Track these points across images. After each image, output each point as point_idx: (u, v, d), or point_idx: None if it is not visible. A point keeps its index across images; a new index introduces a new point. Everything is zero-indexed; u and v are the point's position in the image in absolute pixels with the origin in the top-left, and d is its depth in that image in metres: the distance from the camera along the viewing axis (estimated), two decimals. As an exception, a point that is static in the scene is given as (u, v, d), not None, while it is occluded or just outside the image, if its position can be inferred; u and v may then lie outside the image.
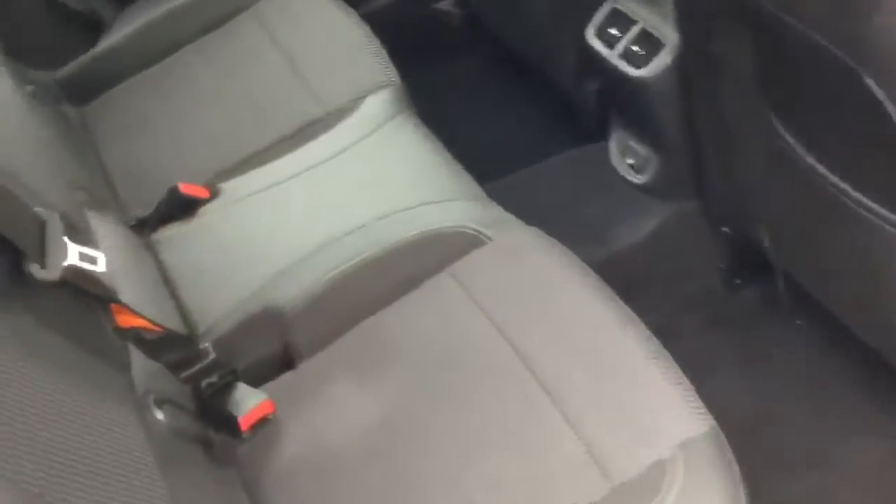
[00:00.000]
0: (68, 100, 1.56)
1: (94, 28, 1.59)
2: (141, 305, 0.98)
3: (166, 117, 1.48)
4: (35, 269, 0.83)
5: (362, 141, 1.35)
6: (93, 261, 0.90)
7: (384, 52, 1.46)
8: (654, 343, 0.95)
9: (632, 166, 1.47)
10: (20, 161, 1.04)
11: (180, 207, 1.30)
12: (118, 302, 0.93)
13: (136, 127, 1.48)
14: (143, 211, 1.34)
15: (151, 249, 1.29)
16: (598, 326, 0.98)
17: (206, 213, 1.30)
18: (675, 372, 0.92)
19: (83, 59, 1.56)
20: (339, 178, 1.31)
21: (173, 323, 1.09)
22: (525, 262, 1.08)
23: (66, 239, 0.88)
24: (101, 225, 1.19)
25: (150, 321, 0.97)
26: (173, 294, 1.20)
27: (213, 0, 1.59)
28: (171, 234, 1.29)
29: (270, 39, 1.52)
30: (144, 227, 1.32)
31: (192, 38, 1.57)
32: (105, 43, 1.57)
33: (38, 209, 0.88)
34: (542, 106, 1.75)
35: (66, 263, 0.85)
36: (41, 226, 0.86)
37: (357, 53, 1.46)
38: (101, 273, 0.90)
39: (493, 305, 1.02)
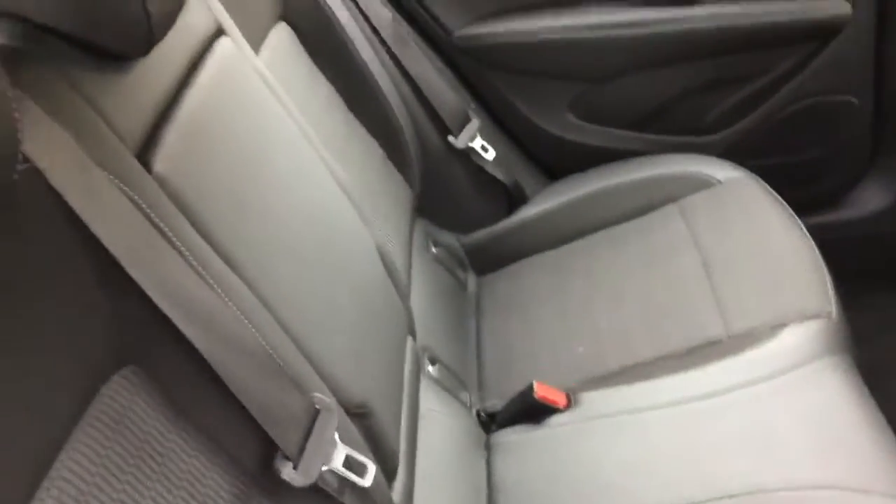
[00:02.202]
0: (471, 266, 1.51)
1: (512, 199, 1.52)
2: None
3: (555, 303, 1.34)
4: (284, 466, 0.70)
5: (765, 382, 1.05)
6: (361, 470, 0.75)
7: (826, 276, 1.17)
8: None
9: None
10: (373, 329, 0.98)
11: (530, 411, 1.13)
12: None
13: (522, 307, 1.37)
14: (499, 402, 1.20)
15: (489, 451, 1.13)
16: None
17: (555, 426, 1.10)
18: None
19: (495, 228, 1.51)
20: (722, 423, 1.03)
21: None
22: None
23: (336, 436, 0.74)
24: (439, 413, 1.07)
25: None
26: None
27: (643, 186, 1.43)
28: (511, 440, 1.12)
29: (691, 237, 1.31)
30: (491, 422, 1.18)
31: (609, 224, 1.42)
32: (519, 216, 1.50)
33: (317, 395, 0.76)
34: None
35: (325, 468, 0.72)
36: (311, 416, 0.74)
37: (789, 271, 1.19)
38: (366, 487, 0.74)
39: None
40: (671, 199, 1.39)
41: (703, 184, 1.38)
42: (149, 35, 0.72)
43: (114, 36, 0.70)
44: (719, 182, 1.37)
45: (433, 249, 1.44)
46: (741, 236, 1.27)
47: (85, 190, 0.61)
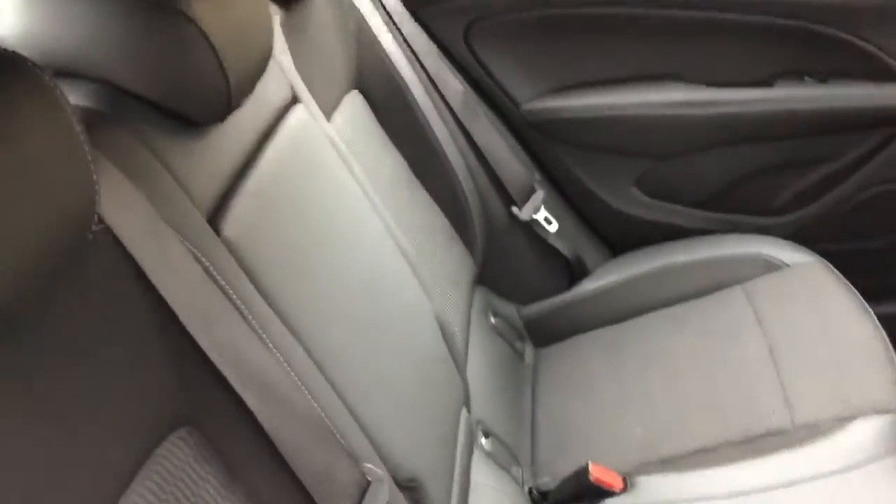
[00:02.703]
0: (529, 337, 1.50)
1: (574, 272, 1.51)
2: None
3: (613, 381, 1.31)
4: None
5: (830, 477, 1.01)
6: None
7: (897, 369, 1.13)
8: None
9: None
10: (427, 400, 0.97)
11: (585, 492, 1.10)
12: None
13: (579, 383, 1.35)
14: (551, 481, 1.18)
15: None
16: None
17: (610, 510, 1.07)
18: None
19: (555, 300, 1.50)
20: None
21: None
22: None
23: (385, 510, 0.73)
24: (490, 488, 1.05)
25: None
26: None
27: (708, 266, 1.42)
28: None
29: (756, 320, 1.28)
30: (543, 501, 1.15)
31: (671, 302, 1.40)
32: (580, 289, 1.49)
33: (368, 466, 0.75)
34: None
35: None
36: (362, 487, 0.73)
37: (859, 362, 1.15)
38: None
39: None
40: (736, 280, 1.37)
41: (770, 267, 1.35)
42: (227, 103, 0.74)
43: (194, 103, 0.72)
44: (787, 266, 1.34)
45: (492, 319, 1.44)
46: (809, 322, 1.24)
47: (154, 250, 0.63)
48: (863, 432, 1.06)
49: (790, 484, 1.03)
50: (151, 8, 0.69)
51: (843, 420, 1.08)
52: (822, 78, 1.39)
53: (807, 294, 1.29)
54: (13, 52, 0.52)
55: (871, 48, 1.35)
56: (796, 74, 1.41)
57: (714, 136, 1.47)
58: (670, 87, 1.45)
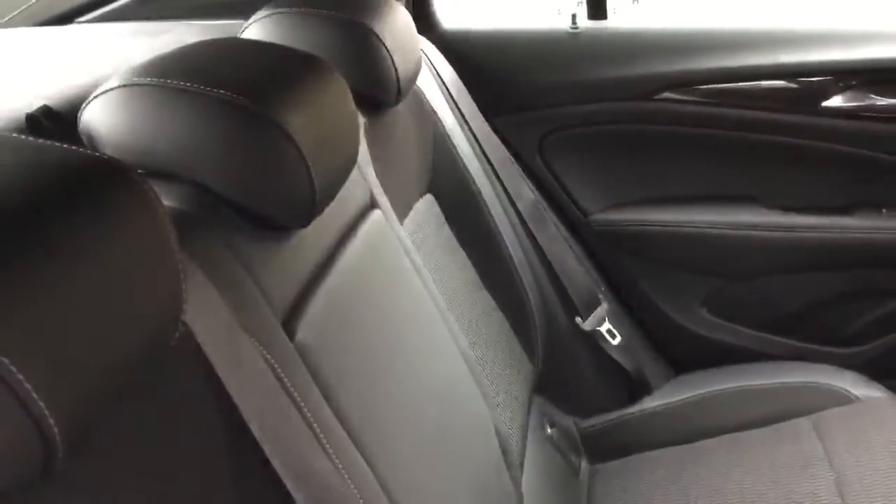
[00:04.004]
0: (585, 452, 1.46)
1: (635, 388, 1.48)
2: None
3: (672, 505, 1.27)
4: None
5: None
6: None
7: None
8: None
9: None
10: (497, 497, 0.95)
11: None
12: None
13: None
14: None
15: None
16: None
17: None
18: None
19: (614, 416, 1.47)
20: None
21: None
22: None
23: None
24: None
25: None
26: None
27: (775, 393, 1.38)
28: None
29: (825, 455, 1.23)
30: None
31: (734, 428, 1.36)
32: (641, 406, 1.46)
33: None
34: None
35: None
36: None
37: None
38: None
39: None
40: (803, 411, 1.33)
41: (841, 399, 1.31)
42: (312, 210, 0.75)
43: (280, 209, 0.74)
44: (857, 399, 1.30)
45: (549, 430, 1.41)
46: (880, 461, 1.19)
47: (230, 356, 0.64)
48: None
49: None
50: (246, 115, 0.71)
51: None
52: (901, 210, 1.38)
53: (878, 430, 1.25)
54: (110, 157, 0.53)
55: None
56: (875, 205, 1.39)
57: (787, 260, 1.45)
58: (746, 208, 1.45)
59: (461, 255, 1.32)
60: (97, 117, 0.72)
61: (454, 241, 1.32)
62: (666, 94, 1.43)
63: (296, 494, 0.65)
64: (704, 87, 1.42)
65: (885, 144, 1.34)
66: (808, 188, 1.42)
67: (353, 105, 0.86)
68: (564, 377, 1.47)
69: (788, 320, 1.50)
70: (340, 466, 0.71)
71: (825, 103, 1.36)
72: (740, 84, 1.40)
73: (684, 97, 1.43)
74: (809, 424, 1.30)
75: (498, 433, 1.09)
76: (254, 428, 0.64)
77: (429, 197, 1.29)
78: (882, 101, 1.34)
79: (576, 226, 1.52)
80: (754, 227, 1.44)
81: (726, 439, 1.36)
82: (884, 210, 1.39)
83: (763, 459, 1.29)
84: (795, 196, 1.42)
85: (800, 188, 1.42)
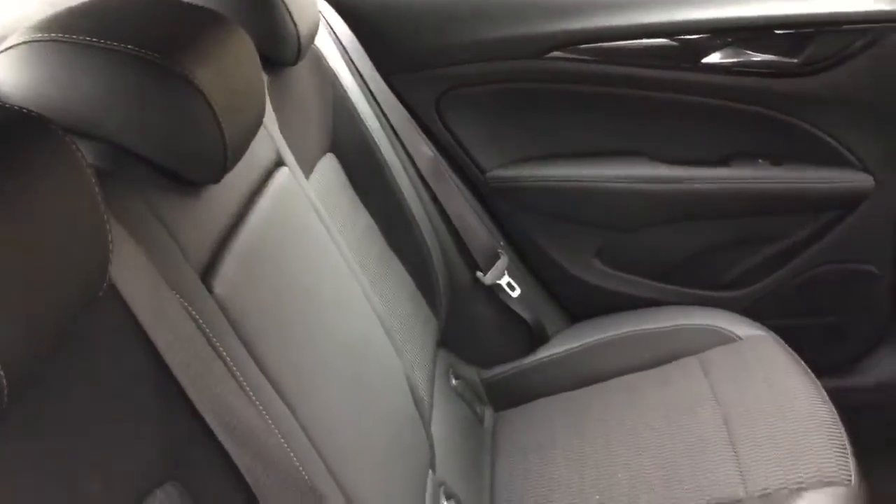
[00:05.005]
0: (489, 401, 1.52)
1: (534, 338, 1.54)
2: None
3: (571, 448, 1.33)
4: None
5: (784, 547, 1.05)
6: None
7: (845, 441, 1.17)
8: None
9: None
10: (400, 461, 0.98)
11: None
12: None
13: (538, 449, 1.36)
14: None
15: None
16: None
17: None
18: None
19: (515, 365, 1.52)
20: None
21: None
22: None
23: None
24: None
25: None
26: None
27: (664, 336, 1.46)
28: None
29: (711, 392, 1.32)
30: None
31: (628, 370, 1.44)
32: (540, 355, 1.52)
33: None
34: None
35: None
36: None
37: (809, 435, 1.19)
38: None
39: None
40: (691, 351, 1.41)
41: (724, 339, 1.40)
42: (224, 165, 0.76)
43: (193, 164, 0.74)
44: (740, 339, 1.39)
45: (453, 381, 1.45)
46: (761, 395, 1.28)
47: (154, 308, 0.64)
48: (813, 504, 1.10)
49: (744, 553, 1.06)
50: (156, 71, 0.71)
51: (793, 492, 1.11)
52: (776, 161, 1.47)
53: (759, 367, 1.34)
54: (33, 112, 0.53)
55: (821, 135, 1.43)
56: (751, 156, 1.48)
57: (672, 211, 1.53)
58: (633, 162, 1.51)
59: (364, 213, 1.34)
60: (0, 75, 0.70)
61: (357, 201, 1.34)
62: (555, 54, 1.47)
63: (228, 446, 0.66)
64: (590, 45, 1.46)
65: (759, 98, 1.43)
66: (691, 142, 1.50)
67: (258, 62, 0.87)
68: (467, 330, 1.51)
69: (675, 268, 1.59)
70: (267, 416, 0.73)
71: (704, 60, 1.43)
72: (624, 42, 1.46)
73: (572, 56, 1.48)
74: (697, 363, 1.39)
75: (409, 385, 1.12)
76: (180, 378, 0.65)
77: (330, 156, 1.30)
78: (756, 57, 1.42)
79: (474, 183, 1.56)
80: (642, 180, 1.51)
81: (620, 381, 1.43)
82: (760, 161, 1.48)
83: (654, 398, 1.36)
84: (680, 150, 1.50)
85: (683, 142, 1.50)
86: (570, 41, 1.46)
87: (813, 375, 1.30)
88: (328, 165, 1.28)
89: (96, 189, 0.54)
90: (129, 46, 0.70)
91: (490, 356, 1.53)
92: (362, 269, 1.15)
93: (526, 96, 1.53)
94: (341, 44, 1.41)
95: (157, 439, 0.65)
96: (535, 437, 1.40)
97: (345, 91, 1.35)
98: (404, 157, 1.43)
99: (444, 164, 1.52)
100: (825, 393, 1.26)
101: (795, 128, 1.43)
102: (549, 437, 1.38)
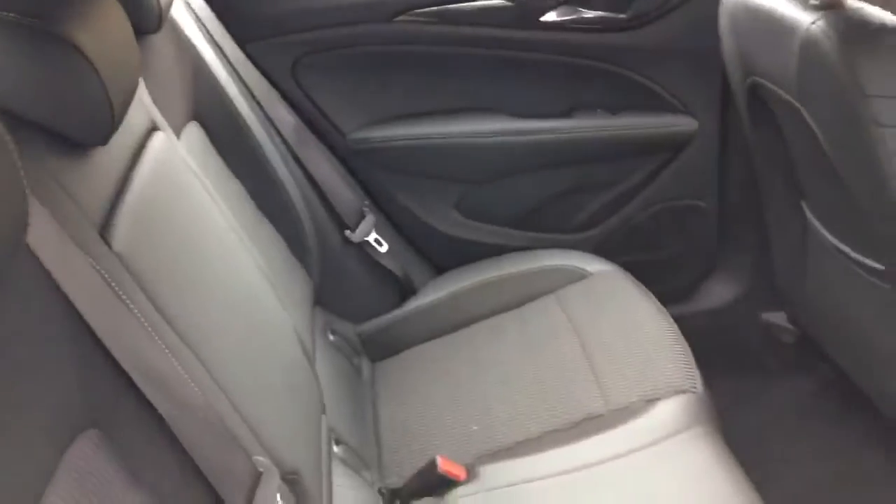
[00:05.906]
0: (365, 353, 1.58)
1: (404, 291, 1.61)
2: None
3: (446, 388, 1.42)
4: (233, 524, 0.75)
5: (643, 450, 1.17)
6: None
7: (690, 356, 1.31)
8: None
9: None
10: (297, 403, 1.03)
11: (434, 484, 1.20)
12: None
13: (415, 392, 1.44)
14: (399, 480, 1.27)
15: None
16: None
17: (458, 498, 1.18)
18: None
19: (386, 318, 1.59)
20: (608, 489, 1.13)
21: None
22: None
23: (278, 497, 0.80)
24: (347, 488, 1.12)
25: None
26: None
27: (523, 279, 1.56)
28: (417, 512, 1.19)
29: (569, 324, 1.43)
30: (395, 498, 1.24)
31: (493, 313, 1.54)
32: (409, 307, 1.59)
33: (258, 458, 0.81)
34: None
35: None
36: (255, 477, 0.79)
37: (658, 353, 1.33)
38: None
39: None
40: (548, 290, 1.52)
41: (577, 276, 1.52)
42: (111, 126, 0.79)
43: (81, 126, 0.77)
44: (591, 275, 1.51)
45: (331, 337, 1.51)
46: (614, 322, 1.41)
47: (64, 262, 0.67)
48: (666, 411, 1.23)
49: (611, 459, 1.18)
50: (40, 37, 0.73)
51: (649, 402, 1.24)
52: (613, 110, 1.60)
53: (610, 298, 1.47)
54: None
55: (650, 84, 1.57)
56: (591, 108, 1.60)
57: (522, 162, 1.64)
58: (483, 118, 1.61)
59: (233, 179, 1.37)
60: None
61: (224, 167, 1.36)
62: (403, 17, 1.54)
63: (147, 392, 0.70)
64: (435, 8, 1.54)
65: (594, 52, 1.55)
66: (536, 96, 1.60)
67: (130, 25, 0.89)
68: (340, 287, 1.57)
69: (528, 215, 1.70)
70: (177, 364, 0.77)
71: (543, 18, 1.54)
72: (467, 4, 1.54)
73: (419, 18, 1.55)
74: (554, 300, 1.50)
75: (297, 337, 1.18)
76: (95, 328, 0.68)
77: (194, 124, 1.32)
78: (588, 14, 1.54)
79: (335, 145, 1.61)
80: (493, 134, 1.61)
81: (485, 324, 1.53)
82: (598, 111, 1.61)
83: (518, 335, 1.47)
84: (527, 104, 1.60)
85: (530, 96, 1.60)
86: (416, 4, 1.53)
87: (658, 303, 1.44)
88: (193, 133, 1.30)
89: (10, 143, 0.56)
90: (10, 15, 0.71)
91: (363, 310, 1.59)
92: (241, 232, 1.18)
93: (379, 59, 1.59)
94: (195, 13, 1.42)
95: (73, 386, 0.68)
96: (411, 383, 1.48)
97: (203, 60, 1.37)
98: (267, 123, 1.46)
99: (305, 129, 1.56)
100: (670, 317, 1.40)
101: (628, 79, 1.57)
102: (425, 382, 1.46)
